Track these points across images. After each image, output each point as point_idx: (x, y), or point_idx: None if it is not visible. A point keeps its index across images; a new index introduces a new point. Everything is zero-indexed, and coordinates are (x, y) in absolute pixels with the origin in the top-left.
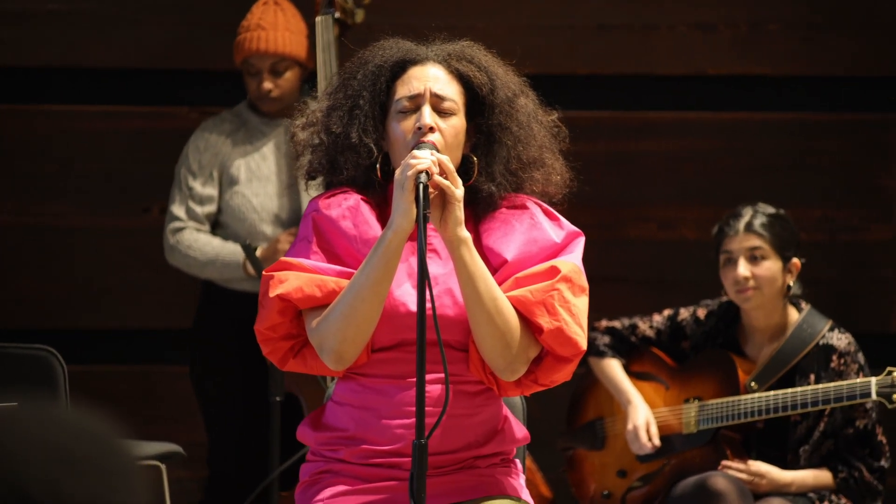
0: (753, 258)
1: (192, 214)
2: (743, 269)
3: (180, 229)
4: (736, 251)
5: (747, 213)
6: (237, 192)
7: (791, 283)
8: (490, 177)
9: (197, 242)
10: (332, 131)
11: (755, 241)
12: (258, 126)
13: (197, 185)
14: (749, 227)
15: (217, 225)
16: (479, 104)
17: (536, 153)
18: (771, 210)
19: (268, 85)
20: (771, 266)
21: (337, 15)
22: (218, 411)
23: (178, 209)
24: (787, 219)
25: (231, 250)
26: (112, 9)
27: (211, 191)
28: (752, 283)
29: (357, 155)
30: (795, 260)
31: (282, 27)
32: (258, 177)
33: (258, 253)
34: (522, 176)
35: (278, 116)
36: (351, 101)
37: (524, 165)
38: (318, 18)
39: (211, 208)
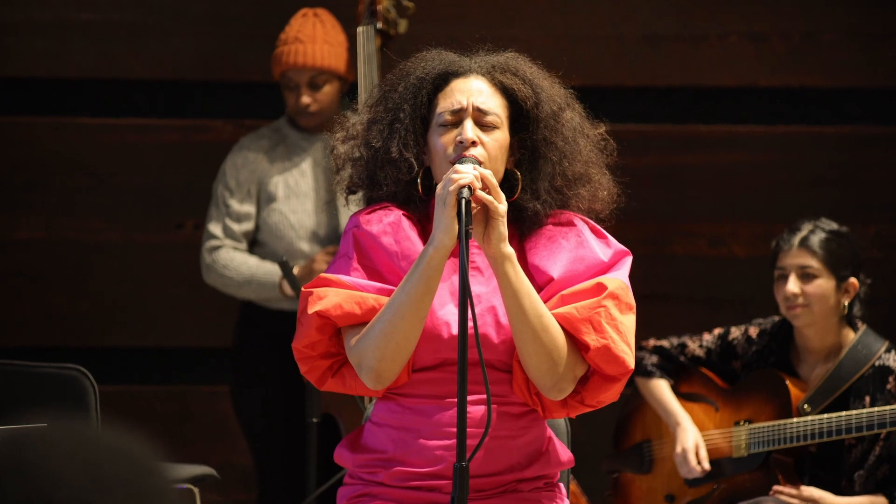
0: (805, 276)
1: (228, 233)
2: (793, 285)
3: (217, 248)
4: (788, 267)
5: (805, 229)
6: (275, 210)
7: (846, 304)
8: (534, 193)
9: (233, 262)
10: (371, 145)
11: (807, 259)
12: (297, 141)
13: (234, 203)
14: (803, 244)
15: (255, 243)
16: (523, 118)
17: (582, 169)
18: (832, 226)
19: (306, 99)
20: (822, 284)
21: (379, 25)
22: (261, 433)
23: (214, 227)
24: (848, 236)
25: (267, 270)
26: (147, 19)
27: (249, 208)
28: (801, 300)
29: (397, 170)
30: (853, 280)
31: (320, 40)
32: (296, 193)
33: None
34: (568, 193)
35: (317, 131)
36: (391, 114)
37: (569, 182)
38: (360, 29)
39: (248, 226)
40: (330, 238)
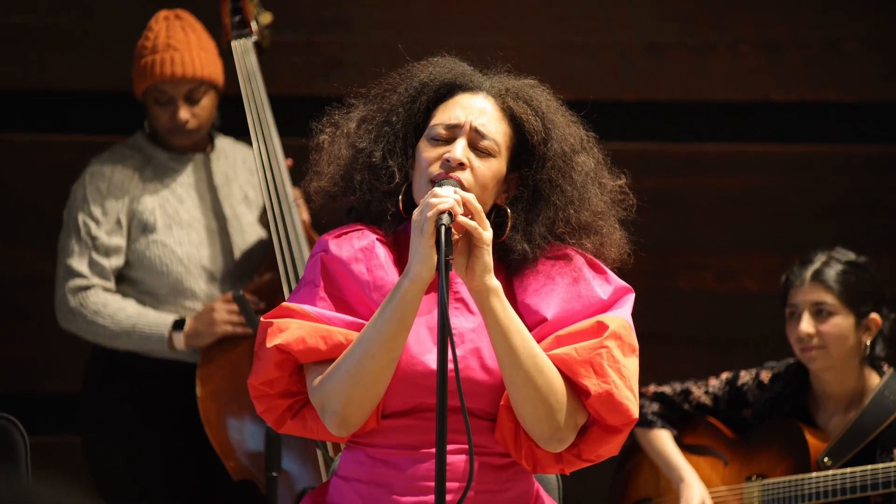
0: (820, 313)
1: (97, 269)
2: (806, 324)
3: (84, 289)
4: (801, 304)
5: (818, 261)
6: (155, 241)
7: (868, 343)
8: (527, 236)
9: (106, 308)
10: (355, 145)
11: (822, 294)
12: (166, 162)
13: (102, 234)
14: (816, 277)
15: (122, 280)
16: (528, 153)
17: (589, 219)
18: (849, 257)
19: (184, 115)
20: (839, 322)
21: (255, 38)
22: (117, 490)
23: (78, 263)
24: (868, 268)
25: (150, 321)
26: (84, 25)
27: (119, 241)
28: (816, 340)
29: (375, 177)
30: (874, 316)
31: (196, 47)
32: (178, 222)
33: (185, 328)
34: (569, 241)
35: (188, 151)
36: (384, 115)
37: (573, 230)
38: (235, 43)
39: (119, 261)
40: (225, 276)
